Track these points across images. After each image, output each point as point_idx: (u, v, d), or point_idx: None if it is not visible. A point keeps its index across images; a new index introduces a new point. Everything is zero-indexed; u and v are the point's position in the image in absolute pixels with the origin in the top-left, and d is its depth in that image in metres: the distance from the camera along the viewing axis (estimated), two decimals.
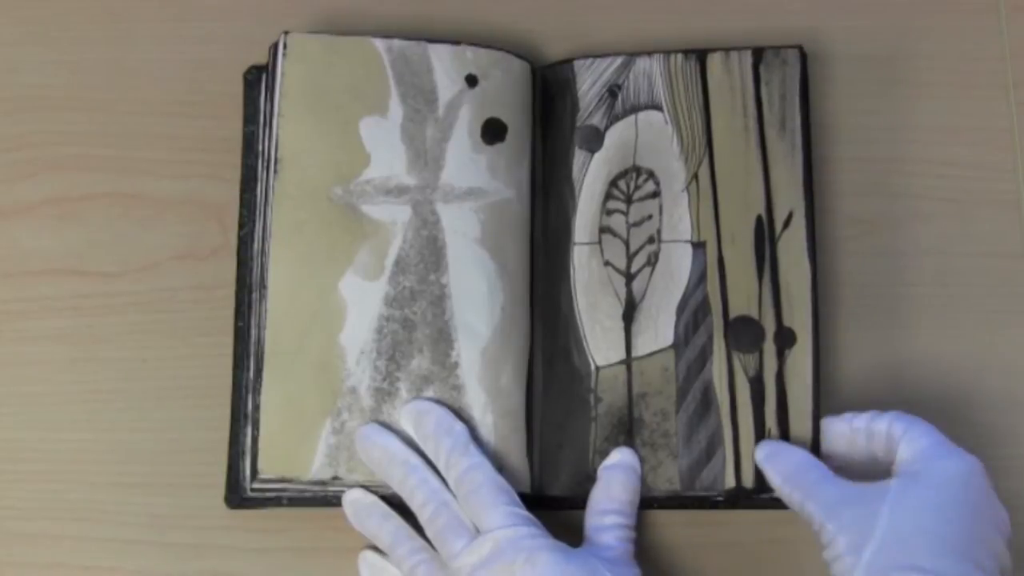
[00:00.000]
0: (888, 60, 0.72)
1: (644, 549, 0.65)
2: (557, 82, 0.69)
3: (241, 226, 0.68)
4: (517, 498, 0.60)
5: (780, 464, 0.61)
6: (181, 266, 0.69)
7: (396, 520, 0.61)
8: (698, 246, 0.66)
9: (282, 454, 0.62)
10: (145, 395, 0.67)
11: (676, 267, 0.65)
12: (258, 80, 0.69)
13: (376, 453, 0.62)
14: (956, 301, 0.69)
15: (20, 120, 0.71)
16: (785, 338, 0.64)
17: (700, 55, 0.68)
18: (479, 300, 0.64)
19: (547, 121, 0.69)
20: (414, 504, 0.60)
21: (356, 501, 0.62)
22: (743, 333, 0.64)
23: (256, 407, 0.62)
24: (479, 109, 0.67)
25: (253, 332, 0.64)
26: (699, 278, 0.65)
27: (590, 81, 0.68)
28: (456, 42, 0.68)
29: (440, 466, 0.61)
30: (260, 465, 0.62)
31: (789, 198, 0.65)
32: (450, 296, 0.64)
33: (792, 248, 0.65)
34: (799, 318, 0.64)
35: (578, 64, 0.69)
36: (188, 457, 0.66)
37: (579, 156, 0.68)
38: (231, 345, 0.66)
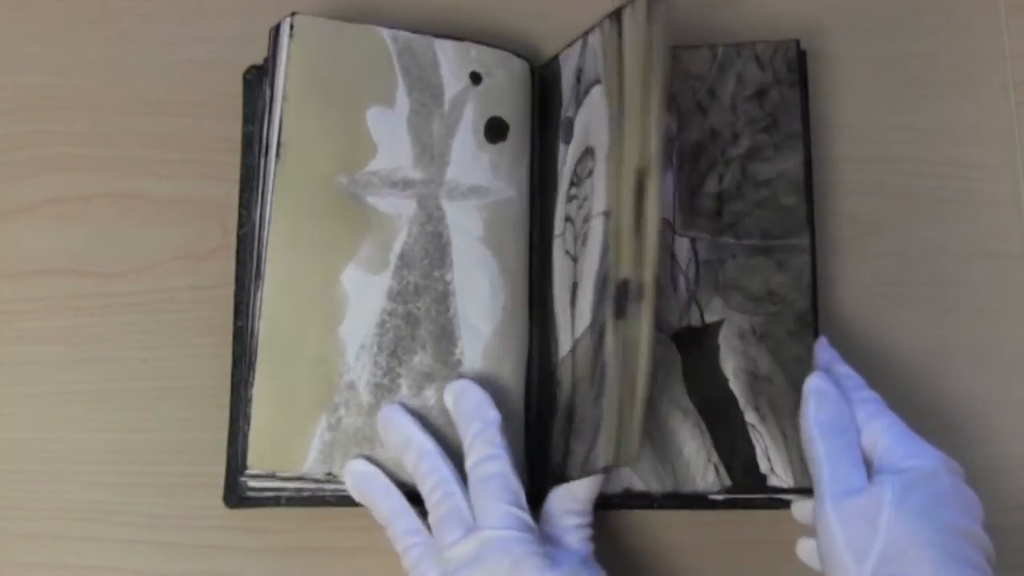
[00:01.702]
0: (888, 60, 0.72)
1: (644, 549, 0.65)
2: (551, 79, 0.69)
3: (241, 226, 0.68)
4: (523, 499, 0.59)
5: (824, 409, 0.59)
6: (181, 266, 0.69)
7: (396, 496, 0.61)
8: (608, 216, 0.63)
9: (273, 448, 0.61)
10: (145, 395, 0.67)
11: (594, 242, 0.63)
12: (258, 80, 0.69)
13: (393, 436, 0.61)
14: (956, 301, 0.69)
15: (20, 120, 0.71)
16: (631, 295, 0.59)
17: (617, 14, 0.65)
18: (482, 298, 0.64)
19: (544, 120, 0.69)
20: (424, 489, 0.60)
21: (358, 472, 0.61)
22: (623, 299, 0.60)
23: (247, 400, 0.62)
24: (482, 107, 0.67)
25: (249, 323, 0.63)
26: (604, 249, 0.62)
27: (567, 72, 0.68)
28: (460, 38, 0.68)
29: (464, 447, 0.61)
30: (249, 459, 0.61)
31: (642, 153, 0.60)
32: (454, 293, 0.64)
33: (652, 204, 0.59)
34: (649, 270, 0.58)
35: (561, 57, 0.69)
36: (188, 457, 0.66)
37: (561, 150, 0.67)
38: (230, 345, 0.66)
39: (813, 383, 0.60)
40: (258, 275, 0.63)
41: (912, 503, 0.56)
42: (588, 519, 0.62)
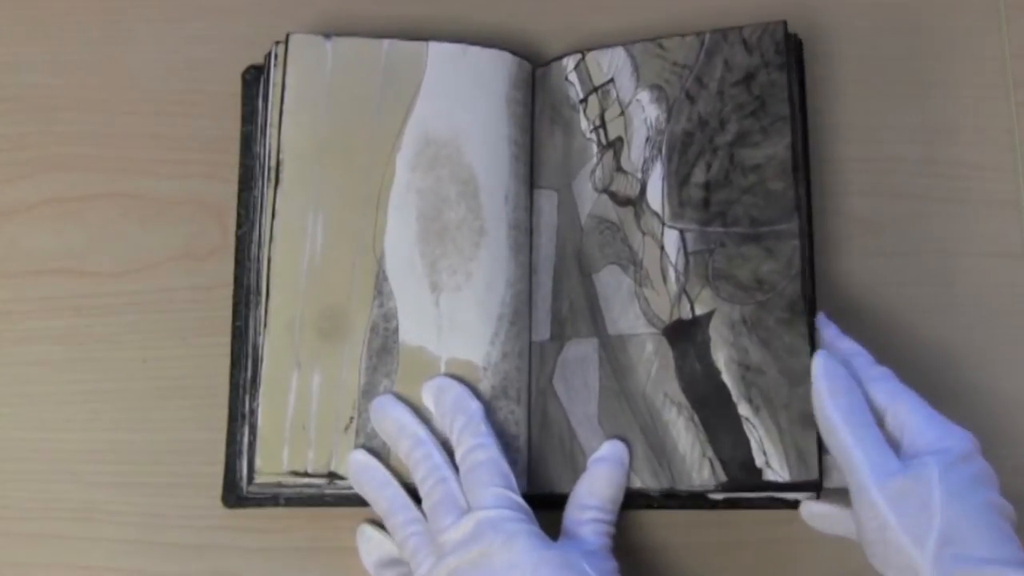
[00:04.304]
0: (888, 60, 0.72)
1: (643, 549, 0.65)
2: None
3: (239, 226, 0.68)
4: (513, 482, 0.60)
5: (839, 393, 0.59)
6: (180, 266, 0.69)
7: (395, 487, 0.61)
8: None
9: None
10: (145, 395, 0.67)
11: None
12: (257, 80, 0.69)
13: (387, 424, 0.62)
14: (956, 301, 0.69)
15: (20, 120, 0.71)
16: None
17: None
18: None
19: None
20: (416, 477, 0.60)
21: (359, 462, 0.62)
22: None
23: (252, 410, 0.62)
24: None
25: (251, 335, 0.64)
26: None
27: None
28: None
29: (452, 442, 0.61)
30: (257, 465, 0.61)
31: None
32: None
33: None
34: None
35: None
36: (188, 457, 0.66)
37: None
38: (230, 345, 0.66)
39: (820, 364, 0.60)
40: (257, 290, 0.63)
41: (955, 483, 0.56)
42: (607, 515, 0.61)
